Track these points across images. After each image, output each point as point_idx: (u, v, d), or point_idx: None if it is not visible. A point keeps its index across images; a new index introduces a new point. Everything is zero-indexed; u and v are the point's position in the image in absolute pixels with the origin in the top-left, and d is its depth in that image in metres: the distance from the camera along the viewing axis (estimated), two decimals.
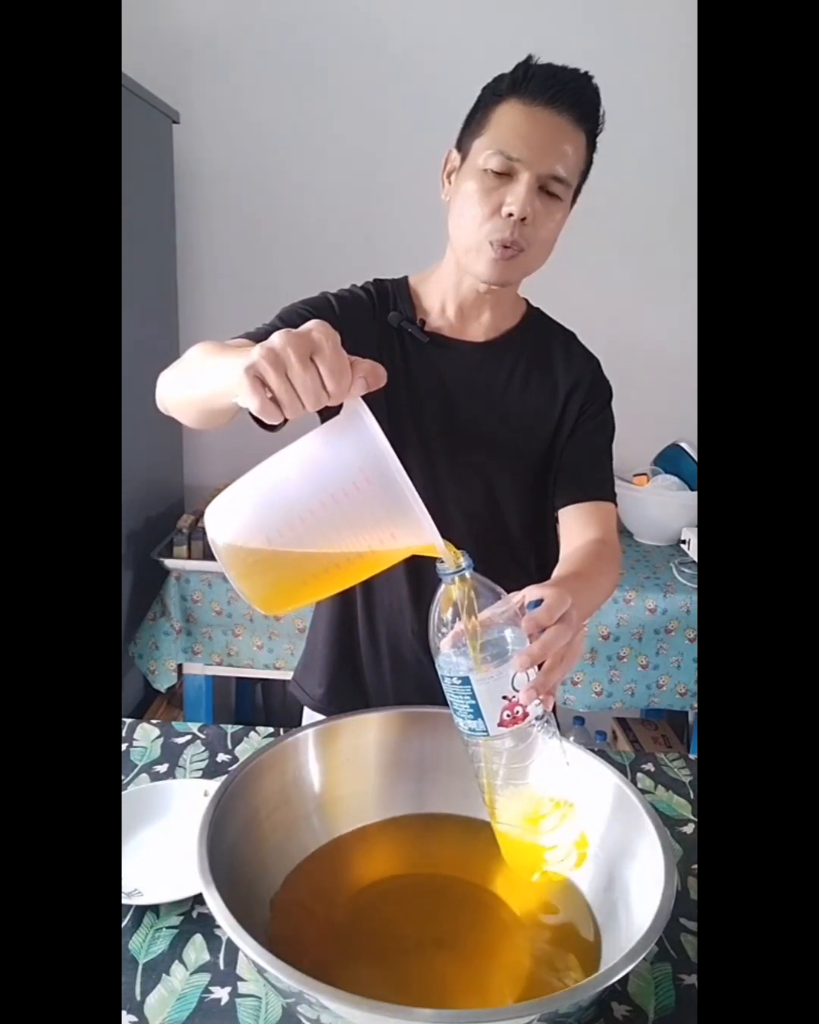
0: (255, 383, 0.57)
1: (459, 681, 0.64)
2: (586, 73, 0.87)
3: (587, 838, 0.71)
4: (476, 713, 0.64)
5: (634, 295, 2.23)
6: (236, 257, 2.24)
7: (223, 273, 2.25)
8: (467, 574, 0.64)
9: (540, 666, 0.65)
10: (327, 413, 0.64)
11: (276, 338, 0.58)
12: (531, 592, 0.70)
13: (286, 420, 0.90)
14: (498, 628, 0.65)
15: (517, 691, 0.63)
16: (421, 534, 0.60)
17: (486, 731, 0.64)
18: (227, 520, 0.62)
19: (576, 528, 0.99)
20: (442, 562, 0.63)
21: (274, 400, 0.58)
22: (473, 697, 0.63)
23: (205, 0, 2.07)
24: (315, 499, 0.58)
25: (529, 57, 0.87)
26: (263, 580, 0.63)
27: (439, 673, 0.66)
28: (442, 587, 0.65)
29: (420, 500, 0.58)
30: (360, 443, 0.58)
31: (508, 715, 0.63)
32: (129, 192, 1.66)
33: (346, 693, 1.09)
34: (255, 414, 0.59)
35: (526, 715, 0.64)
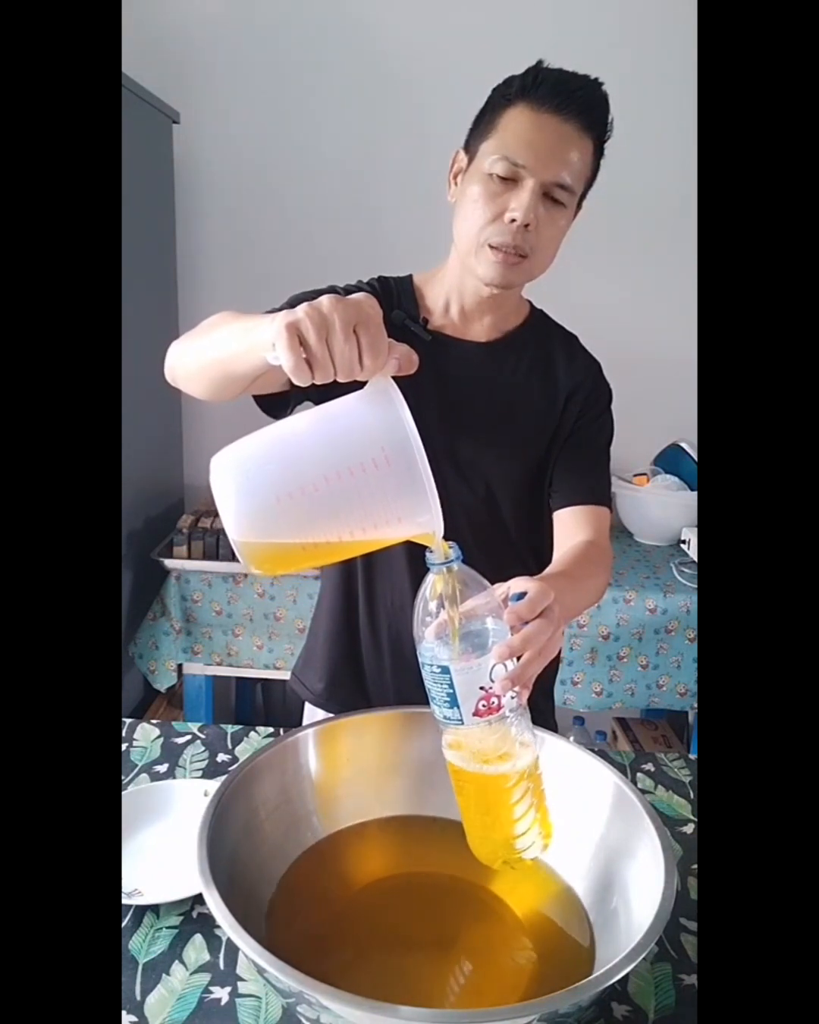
0: (293, 340, 0.57)
1: (439, 670, 0.64)
2: (596, 80, 0.87)
3: (552, 825, 0.71)
4: (453, 702, 0.65)
5: (635, 296, 2.23)
6: (236, 257, 2.24)
7: (223, 273, 2.25)
8: (455, 566, 0.64)
9: (518, 658, 0.65)
10: (322, 399, 0.63)
11: (325, 301, 0.57)
12: (516, 584, 0.70)
13: (292, 407, 0.90)
14: (480, 619, 0.65)
15: (494, 682, 0.64)
16: (428, 521, 0.60)
17: (460, 720, 0.65)
18: (235, 480, 0.61)
19: (569, 530, 0.99)
20: (432, 552, 0.64)
21: (307, 362, 0.58)
22: (451, 686, 0.64)
23: (205, 0, 2.07)
24: (331, 470, 0.58)
25: (539, 62, 0.87)
26: (263, 543, 0.62)
27: (420, 661, 0.66)
28: (429, 577, 0.65)
29: (434, 487, 0.58)
30: (386, 421, 0.58)
31: (483, 705, 0.64)
32: (129, 192, 1.66)
33: (347, 688, 1.10)
34: (287, 372, 0.58)
35: (501, 707, 0.65)
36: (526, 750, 0.67)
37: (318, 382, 0.59)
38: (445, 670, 0.64)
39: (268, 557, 0.63)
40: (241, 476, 0.61)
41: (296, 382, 0.59)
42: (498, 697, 0.64)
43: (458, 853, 0.71)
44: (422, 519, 0.60)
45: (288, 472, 0.60)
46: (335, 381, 0.60)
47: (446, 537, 0.63)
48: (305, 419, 0.62)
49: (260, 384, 0.82)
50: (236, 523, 0.60)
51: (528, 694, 0.67)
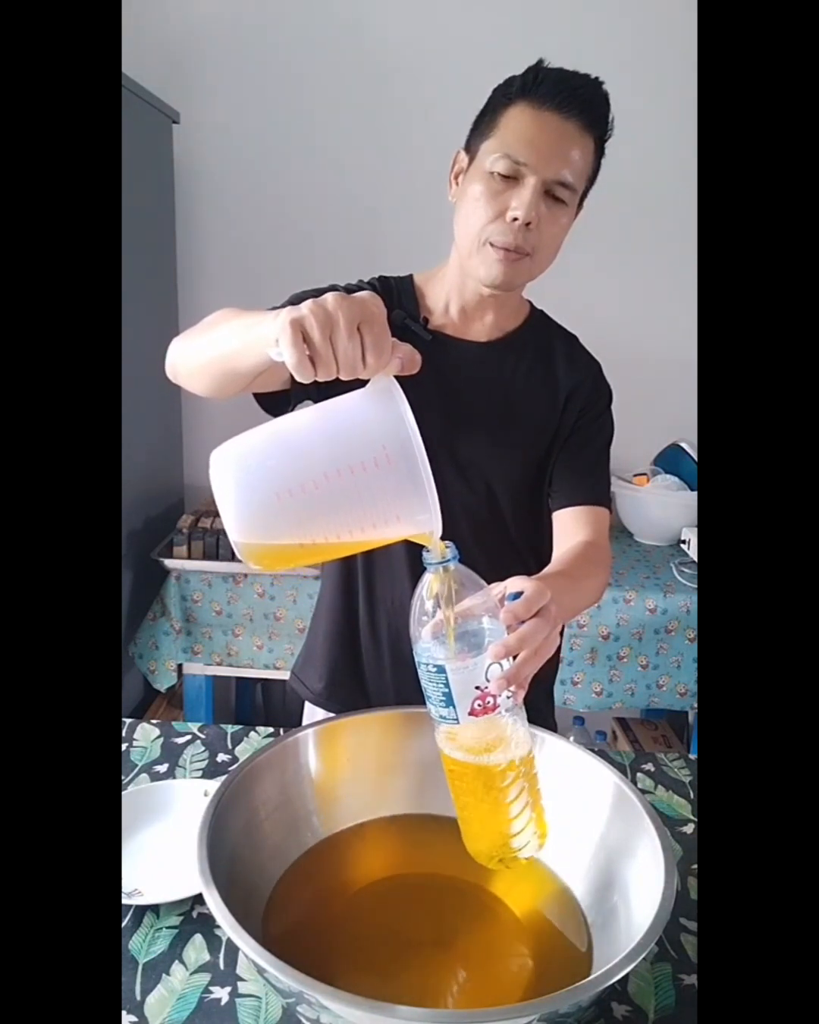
0: (297, 336, 0.57)
1: (435, 669, 0.64)
2: (596, 78, 0.87)
3: (547, 824, 0.71)
4: (448, 701, 0.65)
5: (635, 296, 2.23)
6: (236, 256, 2.24)
7: (223, 273, 2.25)
8: (451, 566, 0.64)
9: (514, 658, 0.65)
10: (322, 397, 0.63)
11: (329, 298, 0.57)
12: (513, 584, 0.70)
13: (293, 406, 0.90)
14: (476, 619, 0.65)
15: (490, 682, 0.64)
16: (427, 521, 0.60)
17: (456, 719, 0.65)
18: (235, 476, 0.61)
19: (569, 530, 0.99)
20: (428, 551, 0.64)
21: (311, 358, 0.58)
22: (447, 685, 0.64)
23: (205, 0, 2.07)
24: (331, 467, 0.58)
25: (540, 61, 0.87)
26: (261, 538, 0.62)
27: (416, 659, 0.66)
28: (425, 576, 0.65)
29: (434, 487, 0.59)
30: (388, 420, 0.58)
31: (479, 705, 0.64)
32: (129, 192, 1.66)
33: (346, 687, 1.10)
34: (290, 368, 0.58)
35: (496, 706, 0.65)
36: (521, 742, 0.67)
37: (321, 379, 0.59)
38: (441, 669, 0.64)
39: (266, 553, 0.63)
40: (241, 472, 0.61)
41: (299, 379, 0.59)
42: (494, 696, 0.64)
43: (458, 853, 0.71)
44: (421, 518, 0.60)
45: (288, 468, 0.60)
46: (336, 379, 0.60)
47: (445, 536, 0.63)
48: (306, 416, 0.62)
49: (261, 382, 0.82)
50: (235, 519, 0.60)
51: (524, 693, 0.66)
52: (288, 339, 0.57)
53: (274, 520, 0.60)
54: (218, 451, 0.62)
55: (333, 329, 0.57)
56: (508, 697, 0.65)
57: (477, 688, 0.64)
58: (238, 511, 0.60)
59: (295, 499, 0.59)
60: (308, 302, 0.58)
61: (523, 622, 0.66)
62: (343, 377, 0.59)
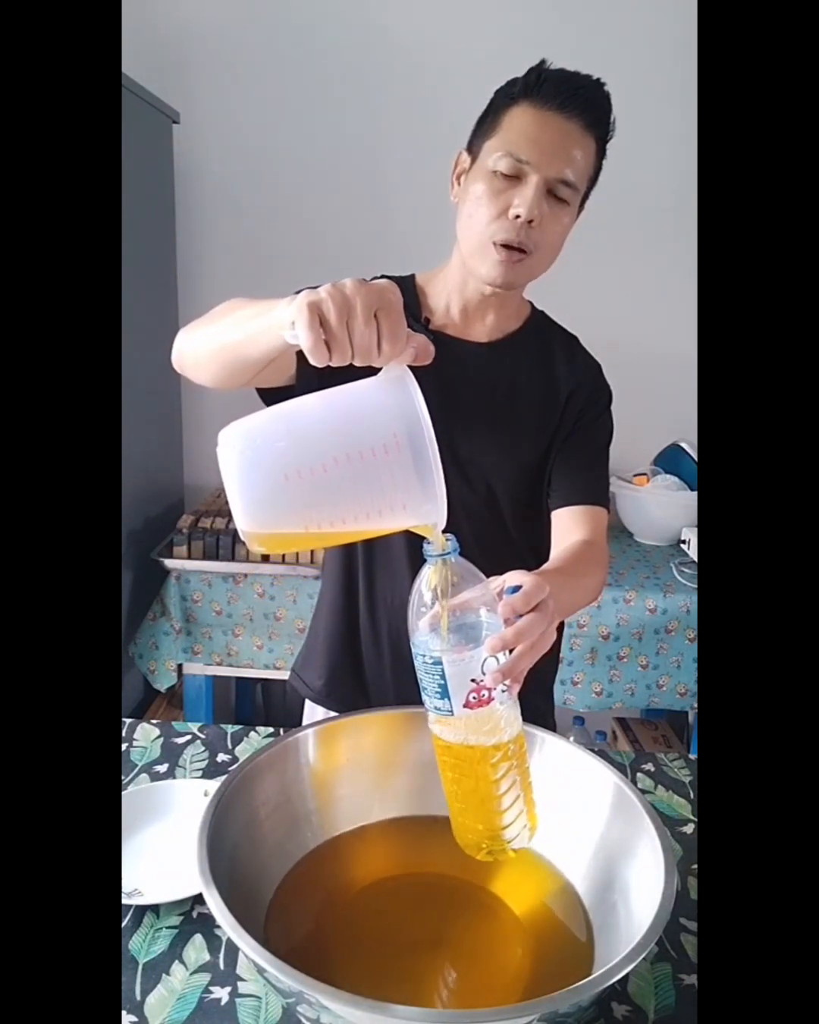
0: (314, 319, 0.57)
1: (431, 661, 0.64)
2: (598, 79, 0.87)
3: (537, 817, 0.71)
4: (443, 693, 0.65)
5: (635, 296, 2.23)
6: (236, 257, 2.24)
7: (223, 273, 2.25)
8: (451, 558, 0.64)
9: (511, 652, 0.65)
10: (309, 387, 0.63)
11: (347, 283, 0.57)
12: (511, 578, 0.70)
13: (295, 395, 0.90)
14: (474, 612, 0.65)
15: (486, 675, 0.64)
16: (431, 511, 0.60)
17: (450, 711, 0.65)
18: (244, 456, 0.60)
19: (567, 530, 0.99)
20: (429, 543, 0.64)
21: (326, 343, 0.57)
22: (443, 677, 0.64)
23: (205, 0, 2.07)
24: (341, 451, 0.58)
25: (542, 61, 0.88)
26: (267, 523, 0.61)
27: (413, 651, 0.66)
28: (425, 568, 0.65)
29: (443, 477, 0.58)
30: (400, 408, 0.58)
31: (474, 697, 0.64)
32: (129, 192, 1.66)
33: (347, 685, 1.10)
34: (305, 351, 0.58)
35: (491, 699, 0.65)
36: (511, 726, 0.67)
37: (335, 364, 0.59)
38: (437, 661, 0.64)
39: (268, 537, 0.62)
40: (249, 451, 0.60)
41: (313, 362, 0.58)
42: (489, 690, 0.64)
43: (458, 853, 0.71)
44: (426, 508, 0.60)
45: (296, 451, 0.59)
46: (344, 371, 0.60)
47: (445, 534, 0.63)
48: (317, 399, 0.62)
49: (266, 375, 0.82)
50: (241, 500, 0.60)
51: (519, 687, 0.66)
52: (305, 321, 0.57)
53: (279, 502, 0.60)
54: (226, 430, 0.61)
55: (350, 314, 0.57)
56: (503, 690, 0.65)
57: (473, 681, 0.64)
58: (244, 492, 0.60)
59: (302, 481, 0.58)
60: (326, 286, 0.58)
61: (521, 616, 0.66)
62: (357, 363, 0.59)
